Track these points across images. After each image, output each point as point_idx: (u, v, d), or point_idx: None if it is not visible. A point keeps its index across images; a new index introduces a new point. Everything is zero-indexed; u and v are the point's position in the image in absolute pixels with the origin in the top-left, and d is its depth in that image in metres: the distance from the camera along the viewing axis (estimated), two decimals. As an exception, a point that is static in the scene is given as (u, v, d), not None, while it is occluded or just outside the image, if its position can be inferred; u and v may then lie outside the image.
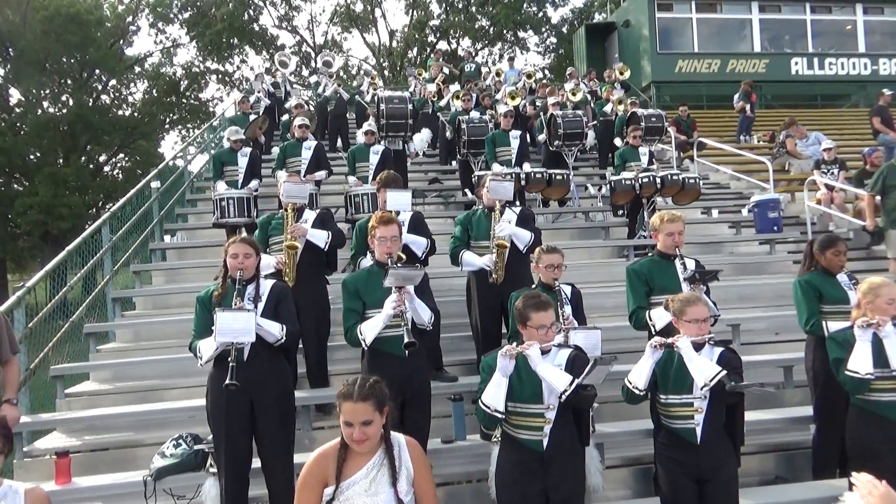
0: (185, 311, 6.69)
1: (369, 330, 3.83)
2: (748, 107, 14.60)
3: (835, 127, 15.87)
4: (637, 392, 3.46)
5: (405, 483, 2.50)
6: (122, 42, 30.25)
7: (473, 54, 19.48)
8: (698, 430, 3.36)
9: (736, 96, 14.93)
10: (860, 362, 3.58)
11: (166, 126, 32.50)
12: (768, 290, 7.28)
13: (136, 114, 30.19)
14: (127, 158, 30.87)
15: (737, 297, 7.21)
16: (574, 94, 12.28)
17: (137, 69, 31.25)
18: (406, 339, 3.65)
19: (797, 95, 19.62)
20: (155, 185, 9.12)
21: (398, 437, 2.59)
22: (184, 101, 32.27)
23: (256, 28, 32.53)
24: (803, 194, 9.67)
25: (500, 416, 3.14)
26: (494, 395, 3.14)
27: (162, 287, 8.07)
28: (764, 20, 19.86)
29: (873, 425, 3.67)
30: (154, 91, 30.71)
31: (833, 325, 4.10)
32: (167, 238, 9.47)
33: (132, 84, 31.29)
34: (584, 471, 3.44)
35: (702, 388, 3.30)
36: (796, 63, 19.62)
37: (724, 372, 3.25)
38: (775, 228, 8.97)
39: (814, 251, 4.47)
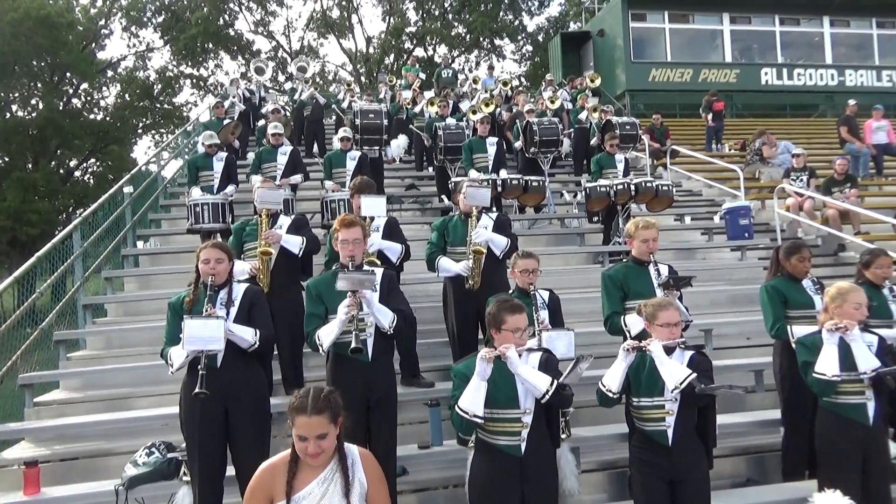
0: (159, 317, 6.59)
1: (326, 335, 3.79)
2: (710, 117, 14.90)
3: (803, 136, 16.24)
4: (611, 395, 3.50)
5: (357, 497, 2.42)
6: (94, 45, 29.82)
7: (450, 60, 19.51)
8: (669, 433, 3.41)
9: (701, 109, 15.27)
10: (827, 365, 3.66)
11: (139, 131, 32.10)
12: (739, 295, 7.41)
13: (108, 118, 29.77)
14: (98, 163, 30.40)
15: (709, 303, 7.32)
16: (552, 102, 12.40)
17: (110, 73, 30.86)
18: (353, 345, 3.58)
19: (767, 105, 20.05)
20: (128, 189, 9.00)
21: (352, 450, 2.52)
22: (157, 105, 31.90)
23: (232, 33, 32.31)
24: (773, 202, 9.87)
25: (478, 420, 3.13)
26: (472, 401, 3.12)
27: (135, 293, 7.96)
28: (735, 31, 20.28)
29: (841, 427, 3.76)
30: (127, 95, 30.30)
31: (798, 330, 4.19)
32: (140, 244, 9.34)
33: (104, 88, 30.88)
34: (558, 473, 3.46)
35: (672, 391, 3.35)
36: (766, 73, 20.05)
37: (694, 375, 3.31)
38: (746, 235, 9.13)
39: (780, 257, 4.59)
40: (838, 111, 17.15)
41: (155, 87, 31.57)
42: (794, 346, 4.13)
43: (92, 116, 29.55)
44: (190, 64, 31.98)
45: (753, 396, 5.50)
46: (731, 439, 4.96)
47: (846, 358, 3.67)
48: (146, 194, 10.03)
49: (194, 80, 32.73)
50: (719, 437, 3.84)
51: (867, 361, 3.64)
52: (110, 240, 8.33)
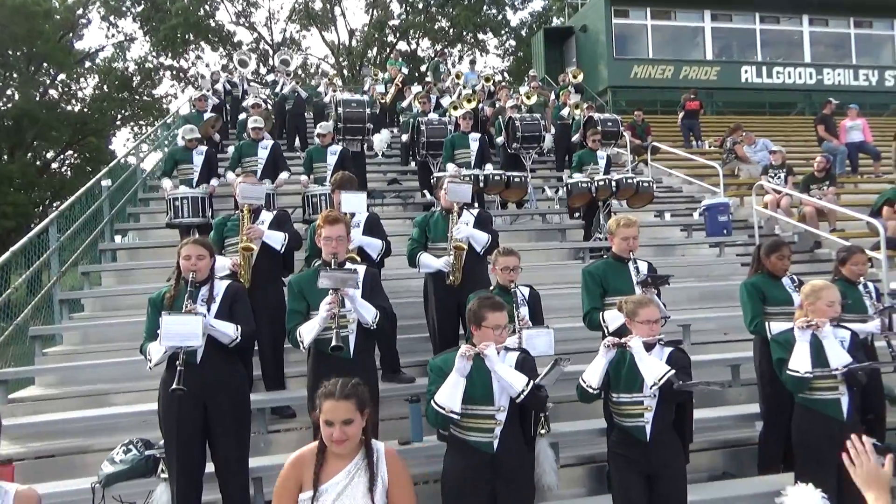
0: (137, 313, 6.52)
1: (307, 332, 3.79)
2: (681, 115, 15.03)
3: (782, 134, 16.42)
4: (591, 391, 3.53)
5: (380, 492, 2.45)
6: (71, 35, 29.34)
7: (447, 54, 19.33)
8: (648, 428, 3.46)
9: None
10: (799, 362, 3.73)
11: (118, 122, 31.69)
12: (718, 291, 7.49)
13: (85, 109, 29.35)
14: (76, 155, 30.01)
15: (687, 299, 7.40)
16: (528, 98, 12.42)
17: (88, 63, 30.40)
18: (333, 343, 3.59)
19: (746, 102, 20.23)
20: (106, 183, 8.87)
21: (378, 445, 2.55)
22: (136, 97, 31.52)
23: (213, 24, 31.94)
24: (751, 199, 9.98)
25: (455, 416, 3.14)
26: (450, 396, 3.13)
27: (112, 288, 7.86)
28: (715, 28, 20.44)
29: (817, 423, 3.82)
30: (105, 86, 29.89)
31: (777, 326, 4.25)
32: (118, 238, 9.23)
33: (82, 79, 30.40)
34: (532, 472, 3.48)
35: (651, 387, 3.39)
36: (746, 71, 20.23)
37: (673, 371, 3.35)
38: (725, 232, 9.23)
39: (760, 255, 4.65)
40: (816, 109, 17.38)
41: (134, 78, 31.17)
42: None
43: (69, 108, 29.16)
44: (170, 55, 31.57)
45: (730, 391, 5.57)
46: (708, 433, 5.02)
47: (819, 355, 3.73)
48: (125, 187, 9.90)
49: (174, 72, 32.36)
50: (697, 432, 3.90)
51: (839, 358, 3.71)
52: (88, 234, 8.21)
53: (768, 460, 4.55)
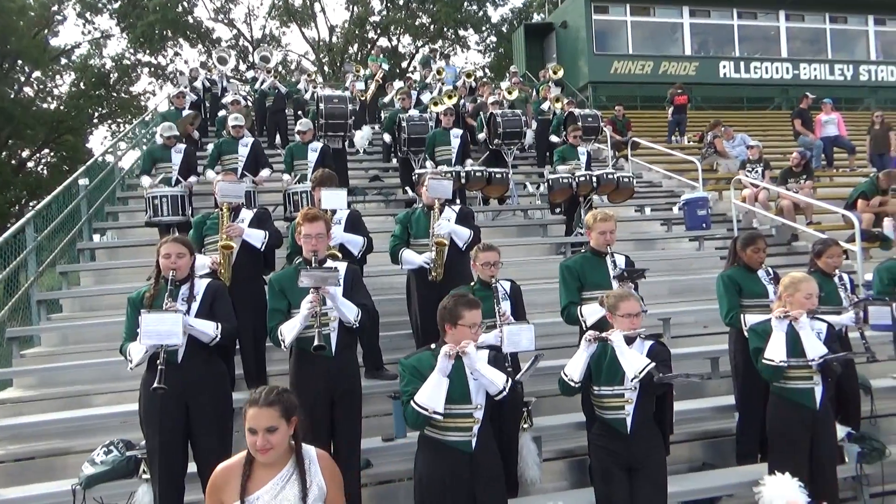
0: (116, 313, 6.47)
1: (288, 331, 3.77)
2: (671, 110, 15.13)
3: (759, 128, 16.65)
4: (573, 384, 3.57)
5: (315, 498, 2.41)
6: (46, 32, 28.82)
7: (439, 52, 19.09)
8: (629, 421, 3.50)
9: (666, 101, 15.52)
10: (775, 350, 3.80)
11: (95, 120, 31.20)
12: (697, 284, 7.57)
13: (62, 107, 28.87)
14: (52, 154, 29.52)
15: (667, 292, 7.48)
16: (510, 93, 12.45)
17: (64, 61, 29.88)
18: (315, 342, 3.58)
19: (725, 98, 20.46)
20: (83, 181, 8.76)
21: (309, 451, 2.50)
22: (114, 94, 31.05)
23: (191, 20, 31.56)
24: (730, 193, 10.11)
25: (438, 417, 3.11)
26: (433, 396, 3.09)
27: (91, 288, 7.77)
28: (694, 24, 20.62)
29: (790, 412, 3.90)
30: (82, 84, 29.38)
31: (752, 318, 4.31)
32: (96, 237, 9.12)
33: (58, 76, 29.91)
34: (502, 469, 3.46)
35: (632, 380, 3.43)
36: (724, 66, 20.44)
37: (653, 364, 3.39)
38: (704, 226, 9.33)
39: (737, 248, 4.72)
40: (793, 104, 17.61)
41: (111, 75, 30.70)
42: (746, 333, 4.25)
43: (45, 105, 28.63)
44: (148, 52, 31.15)
45: (709, 383, 5.65)
46: (687, 425, 5.09)
47: (795, 345, 3.80)
48: (102, 186, 9.78)
49: (152, 69, 31.93)
50: (677, 423, 3.96)
51: (815, 349, 3.78)
52: (65, 233, 8.11)
53: (746, 450, 4.62)
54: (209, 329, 3.65)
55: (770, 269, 4.75)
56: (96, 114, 30.95)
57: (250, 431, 2.38)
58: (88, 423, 5.04)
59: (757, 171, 10.58)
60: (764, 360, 3.84)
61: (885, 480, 4.42)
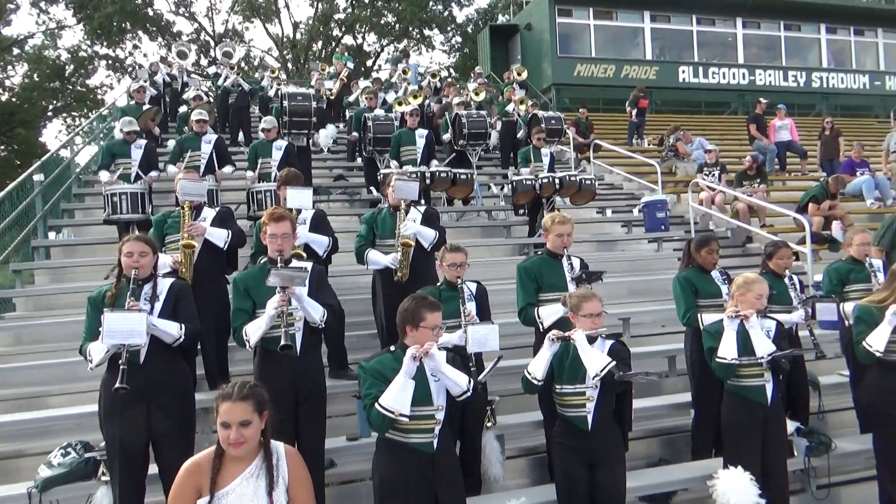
0: (72, 312, 6.35)
1: (254, 331, 3.75)
2: (634, 112, 15.42)
3: (716, 133, 17.07)
4: (536, 382, 3.63)
5: (282, 493, 2.44)
6: (-2, 21, 27.91)
7: (409, 55, 18.98)
8: (589, 418, 3.59)
9: (627, 102, 15.75)
10: (727, 349, 3.94)
11: (49, 113, 30.30)
12: (656, 285, 7.74)
13: (13, 99, 27.93)
14: (3, 147, 28.52)
15: (627, 293, 7.64)
16: (477, 94, 12.54)
17: (16, 51, 28.90)
18: (282, 342, 3.58)
19: (684, 102, 20.94)
20: (38, 177, 8.53)
21: (277, 446, 2.53)
22: (69, 87, 30.18)
23: (151, 13, 30.89)
24: (688, 195, 10.36)
25: (405, 419, 3.09)
26: (398, 399, 3.06)
27: (46, 287, 7.58)
28: (655, 29, 21.06)
29: (743, 408, 4.04)
30: (35, 75, 28.48)
31: (708, 318, 4.46)
32: (52, 235, 8.88)
33: (10, 67, 28.90)
34: (460, 470, 3.49)
35: (593, 378, 3.52)
36: (683, 71, 20.92)
37: (614, 363, 3.48)
38: (663, 228, 9.56)
39: (691, 250, 4.87)
40: (749, 109, 18.12)
41: (67, 67, 29.84)
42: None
43: (-5, 97, 27.70)
44: (105, 44, 30.37)
45: (666, 381, 5.81)
46: (645, 422, 5.21)
47: (746, 344, 3.95)
48: (58, 182, 9.53)
49: (110, 62, 31.15)
50: (635, 421, 4.06)
51: (763, 346, 3.92)
52: (19, 230, 7.88)
53: (701, 446, 4.77)
54: (172, 330, 3.62)
55: (723, 270, 4.91)
56: (50, 107, 30.05)
57: (223, 426, 2.39)
58: (43, 424, 4.92)
59: (714, 175, 10.88)
60: (717, 359, 3.97)
61: (832, 473, 4.61)
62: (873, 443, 4.34)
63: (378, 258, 5.23)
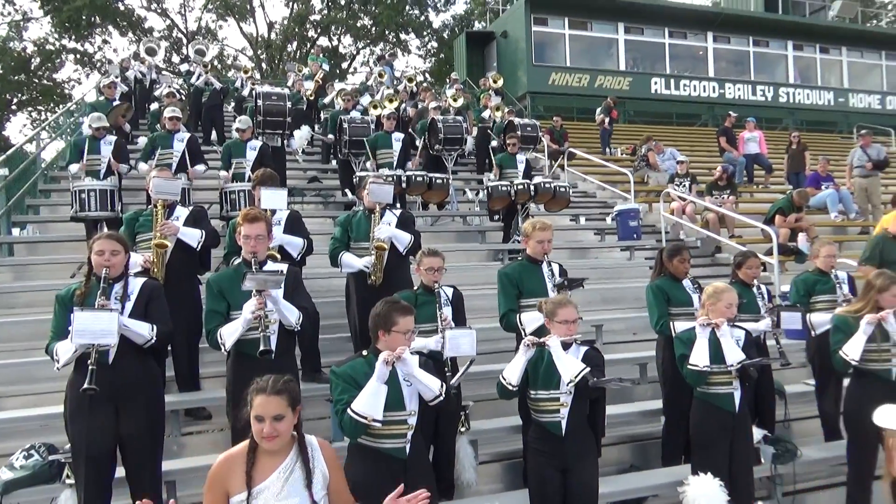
0: (35, 310, 6.18)
1: (229, 334, 3.71)
2: (607, 121, 15.60)
3: (687, 143, 17.36)
4: (510, 388, 3.64)
5: (320, 485, 2.46)
6: (-40, 11, 27.16)
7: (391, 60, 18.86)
8: (563, 423, 3.60)
9: (598, 110, 15.93)
10: (699, 356, 4.01)
11: (13, 107, 29.51)
12: (628, 293, 7.85)
13: (-24, 91, 27.21)
14: (-36, 140, 27.73)
15: (600, 300, 7.71)
16: (455, 100, 12.58)
17: (-21, 42, 28.17)
18: (261, 347, 3.55)
19: (656, 113, 21.27)
20: (2, 171, 8.30)
21: (311, 439, 2.56)
22: (35, 80, 29.45)
23: (122, 7, 30.34)
24: (659, 205, 10.52)
25: (377, 424, 3.06)
26: (371, 404, 3.02)
27: (8, 285, 7.34)
28: (628, 41, 21.36)
29: (712, 415, 4.11)
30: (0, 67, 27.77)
31: (680, 326, 4.54)
32: (15, 231, 8.64)
33: (-28, 58, 28.14)
34: (433, 475, 3.48)
35: (567, 384, 3.54)
36: (655, 83, 21.25)
37: (588, 369, 3.51)
38: (635, 236, 9.68)
39: (663, 259, 4.94)
40: (718, 121, 18.48)
41: (32, 60, 29.12)
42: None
43: (-43, 88, 26.94)
44: (73, 38, 29.72)
45: (637, 388, 5.88)
46: (616, 428, 5.27)
47: (716, 351, 4.02)
48: (23, 177, 9.28)
49: (78, 56, 30.47)
50: (607, 427, 4.10)
51: (734, 355, 4.00)
52: (-20, 226, 7.67)
53: (671, 453, 4.83)
54: (144, 331, 3.55)
55: (694, 280, 5.00)
56: (15, 100, 29.29)
57: (257, 419, 2.41)
58: (2, 426, 4.77)
59: (685, 185, 11.07)
60: (689, 366, 4.04)
61: (797, 480, 4.71)
62: (847, 449, 4.42)
63: (352, 261, 5.20)
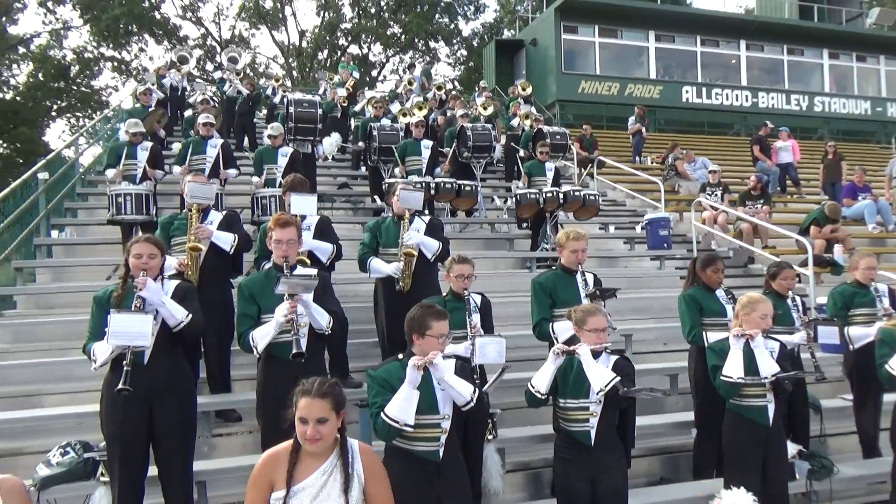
0: (72, 311, 6.33)
1: (261, 337, 3.75)
2: (643, 130, 15.47)
3: (719, 153, 17.14)
4: (539, 396, 3.62)
5: (357, 491, 2.47)
6: (4, 19, 27.94)
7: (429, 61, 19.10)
8: (592, 433, 3.56)
9: (631, 119, 15.79)
10: (733, 368, 3.93)
11: (53, 113, 30.31)
12: (657, 303, 7.75)
13: (18, 98, 27.95)
14: (5, 145, 28.53)
15: (630, 310, 7.62)
16: (485, 108, 12.59)
17: (22, 50, 28.98)
18: (294, 350, 3.58)
19: (687, 122, 21.05)
20: (42, 175, 8.52)
21: (352, 444, 2.58)
22: (74, 87, 30.23)
23: (158, 16, 31.04)
24: (690, 214, 10.39)
25: (409, 429, 3.09)
26: (403, 409, 3.06)
27: (47, 286, 7.54)
28: (659, 49, 21.19)
29: (744, 428, 4.03)
30: (40, 75, 28.54)
31: (712, 336, 4.47)
32: (54, 233, 8.86)
33: (15, 65, 28.96)
34: (468, 478, 3.49)
35: (598, 393, 3.50)
36: (687, 91, 21.04)
37: (618, 378, 3.47)
38: (665, 245, 9.56)
39: (696, 268, 4.87)
40: (751, 131, 18.21)
41: (72, 67, 29.91)
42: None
43: (0, 95, 27.70)
44: (111, 46, 30.48)
45: (668, 399, 5.79)
46: (647, 440, 5.19)
47: (750, 363, 3.94)
48: (62, 181, 9.52)
49: (115, 64, 31.24)
50: (637, 438, 4.04)
51: (768, 367, 3.92)
52: (21, 227, 7.86)
53: (702, 466, 4.75)
54: (180, 314, 3.61)
55: (728, 290, 4.92)
56: (55, 107, 30.09)
57: (301, 421, 2.45)
58: (40, 423, 4.89)
59: (716, 195, 10.92)
60: (722, 377, 3.96)
61: (833, 497, 4.59)
62: (893, 467, 4.26)
63: (380, 266, 5.23)
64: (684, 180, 13.03)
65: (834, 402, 5.59)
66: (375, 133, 9.50)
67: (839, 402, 5.56)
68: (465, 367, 3.39)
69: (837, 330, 4.73)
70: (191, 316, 3.65)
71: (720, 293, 4.83)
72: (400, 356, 3.31)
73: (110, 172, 7.76)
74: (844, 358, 5.29)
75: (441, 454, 3.22)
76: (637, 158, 15.27)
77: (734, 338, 3.98)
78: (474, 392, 3.24)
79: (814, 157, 15.72)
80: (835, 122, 22.16)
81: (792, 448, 4.48)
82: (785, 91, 21.94)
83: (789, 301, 5.04)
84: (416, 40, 33.19)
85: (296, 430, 2.47)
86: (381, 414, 3.07)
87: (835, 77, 22.74)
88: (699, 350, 4.65)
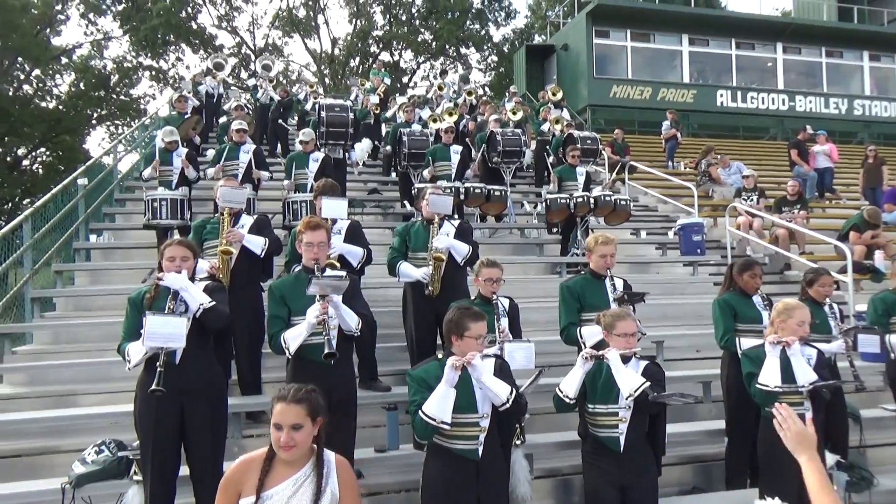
0: (109, 313, 6.48)
1: (293, 339, 3.79)
2: (679, 134, 15.26)
3: (754, 157, 16.81)
4: (567, 401, 3.59)
5: (327, 503, 2.40)
6: (48, 30, 28.87)
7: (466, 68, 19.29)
8: (622, 439, 3.52)
9: (665, 124, 15.59)
10: (769, 376, 3.84)
11: (93, 121, 31.19)
12: (690, 309, 7.62)
13: (60, 106, 28.84)
14: (48, 153, 29.43)
15: (661, 316, 7.51)
16: (514, 113, 12.57)
17: (64, 60, 29.88)
18: (326, 350, 3.60)
19: (721, 126, 20.70)
20: (82, 181, 8.76)
21: (328, 455, 2.50)
22: (113, 96, 31.06)
23: (194, 26, 31.73)
24: (725, 220, 10.20)
25: (446, 427, 3.15)
26: (440, 407, 3.13)
27: (85, 288, 7.75)
28: (693, 53, 20.90)
29: (781, 437, 3.92)
30: (82, 84, 29.38)
31: (746, 343, 4.36)
32: (93, 237, 9.11)
33: (58, 75, 29.90)
34: (507, 477, 3.52)
35: (627, 398, 3.46)
36: (721, 95, 20.70)
37: (648, 383, 3.42)
38: (698, 251, 9.41)
39: (733, 273, 4.78)
40: (788, 135, 17.83)
41: (112, 77, 30.74)
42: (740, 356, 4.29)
43: (43, 104, 28.58)
44: (149, 55, 31.26)
45: (701, 407, 5.68)
46: (678, 448, 5.10)
47: (786, 371, 3.84)
48: (101, 187, 9.78)
49: (153, 73, 32.01)
50: (668, 446, 3.97)
51: (806, 375, 3.82)
52: (61, 232, 8.09)
53: (734, 475, 4.65)
54: (201, 297, 3.65)
55: (766, 296, 4.81)
56: (95, 115, 30.93)
57: (276, 427, 2.38)
58: (77, 422, 5.01)
59: (752, 200, 10.70)
60: (758, 385, 3.87)
61: (873, 510, 4.45)
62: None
63: (410, 271, 5.24)
64: (718, 185, 12.81)
65: (874, 411, 5.43)
66: (405, 139, 9.55)
67: (879, 413, 5.39)
68: (505, 369, 3.41)
69: (878, 338, 4.61)
70: (213, 302, 3.68)
71: (757, 299, 4.73)
72: (439, 355, 3.37)
73: (147, 171, 7.95)
74: (886, 367, 5.13)
75: (480, 452, 3.26)
76: (670, 164, 15.07)
77: (770, 345, 3.89)
78: (511, 393, 3.26)
79: (853, 161, 15.32)
80: (876, 125, 21.58)
81: (830, 458, 4.35)
82: (823, 94, 21.45)
83: (826, 308, 4.92)
84: (447, 47, 33.31)
85: (271, 435, 2.40)
86: (420, 412, 3.15)
87: (875, 79, 22.15)
88: (732, 356, 4.56)
